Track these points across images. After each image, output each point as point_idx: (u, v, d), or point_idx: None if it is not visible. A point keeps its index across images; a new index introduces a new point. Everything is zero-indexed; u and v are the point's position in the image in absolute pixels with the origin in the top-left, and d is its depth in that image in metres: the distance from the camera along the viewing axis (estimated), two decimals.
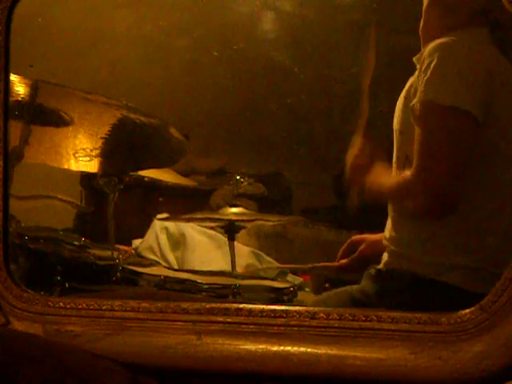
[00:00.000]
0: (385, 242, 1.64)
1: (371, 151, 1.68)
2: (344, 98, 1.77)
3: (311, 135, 1.81)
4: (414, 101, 1.55)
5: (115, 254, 1.87)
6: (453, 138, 1.53)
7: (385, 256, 1.64)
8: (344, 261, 1.74)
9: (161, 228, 1.94)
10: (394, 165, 1.64)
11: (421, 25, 1.63)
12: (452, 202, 1.54)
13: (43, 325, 1.57)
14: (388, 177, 1.64)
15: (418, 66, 1.60)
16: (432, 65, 1.54)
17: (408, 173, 1.56)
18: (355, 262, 1.72)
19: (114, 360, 1.47)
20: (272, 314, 1.49)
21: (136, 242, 1.95)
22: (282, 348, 1.46)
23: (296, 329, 1.47)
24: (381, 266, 1.64)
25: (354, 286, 1.64)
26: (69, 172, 1.97)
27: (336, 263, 1.74)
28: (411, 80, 1.60)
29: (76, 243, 1.90)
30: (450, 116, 1.53)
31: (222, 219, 1.86)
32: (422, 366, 1.39)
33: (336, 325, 1.45)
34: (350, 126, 1.76)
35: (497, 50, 1.57)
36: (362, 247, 1.73)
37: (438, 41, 1.56)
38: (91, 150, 1.92)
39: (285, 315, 1.48)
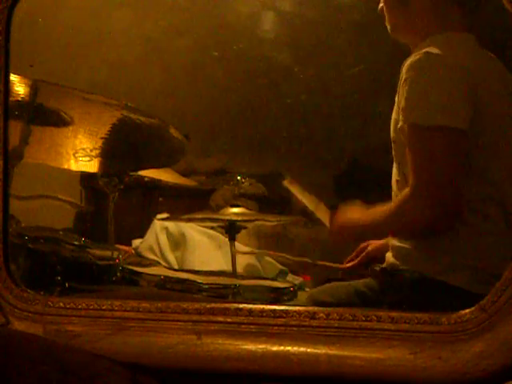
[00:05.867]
0: (389, 242, 1.65)
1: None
2: (344, 98, 1.77)
3: (311, 135, 1.81)
4: (401, 122, 1.56)
5: (115, 254, 1.87)
6: (442, 154, 1.54)
7: (389, 256, 1.64)
8: (350, 264, 1.74)
9: (161, 228, 1.94)
10: (393, 172, 1.65)
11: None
12: (454, 214, 1.54)
13: (43, 325, 1.57)
14: (376, 210, 1.65)
15: None
16: (409, 84, 1.54)
17: (406, 191, 1.56)
18: (363, 263, 1.73)
19: (114, 360, 1.47)
20: (272, 314, 1.49)
21: (136, 242, 1.95)
22: (282, 348, 1.46)
23: (296, 329, 1.47)
24: (385, 264, 1.64)
25: (360, 281, 1.65)
26: (69, 172, 1.97)
27: (343, 265, 1.75)
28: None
29: (76, 243, 1.90)
30: (435, 135, 1.53)
31: (222, 219, 1.86)
32: (421, 366, 1.39)
33: (336, 325, 1.45)
34: (350, 126, 1.76)
35: (481, 49, 1.57)
36: (368, 249, 1.73)
37: (412, 57, 1.56)
38: (91, 150, 1.92)
39: (285, 315, 1.48)
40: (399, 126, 1.57)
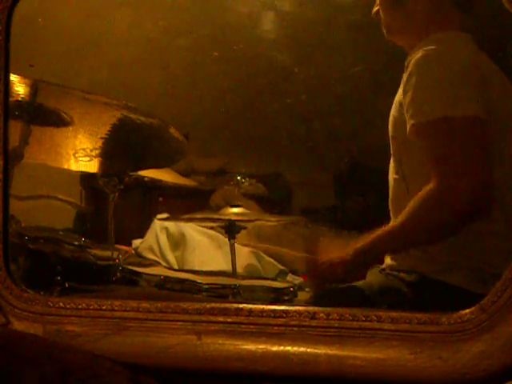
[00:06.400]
0: None
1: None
2: (344, 98, 1.77)
3: (311, 135, 1.81)
4: (409, 119, 1.55)
5: (115, 254, 1.87)
6: (469, 144, 1.53)
7: (387, 257, 1.64)
8: None
9: (161, 228, 1.94)
10: (391, 169, 1.65)
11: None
12: (485, 203, 1.53)
13: (43, 325, 1.57)
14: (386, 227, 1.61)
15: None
16: (420, 81, 1.54)
17: (430, 186, 1.54)
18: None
19: (114, 360, 1.47)
20: (272, 314, 1.49)
21: (136, 242, 1.95)
22: (281, 348, 1.46)
23: (296, 329, 1.47)
24: (384, 265, 1.64)
25: (359, 282, 1.65)
26: (69, 172, 1.97)
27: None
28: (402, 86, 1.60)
29: (76, 243, 1.90)
30: (459, 125, 1.53)
31: (222, 219, 1.86)
32: (421, 365, 1.39)
33: (336, 325, 1.45)
34: (349, 126, 1.76)
35: (480, 50, 1.57)
36: None
37: (419, 54, 1.56)
38: (91, 150, 1.92)
39: (285, 315, 1.48)
40: (409, 123, 1.55)
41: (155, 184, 1.96)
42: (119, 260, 1.86)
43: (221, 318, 1.51)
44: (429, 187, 1.54)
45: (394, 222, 1.60)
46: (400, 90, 1.60)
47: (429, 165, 1.54)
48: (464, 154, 1.53)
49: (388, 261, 1.64)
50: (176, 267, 1.90)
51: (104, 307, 1.57)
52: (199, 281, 1.79)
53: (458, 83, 1.55)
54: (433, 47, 1.56)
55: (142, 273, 1.85)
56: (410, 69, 1.57)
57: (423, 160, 1.56)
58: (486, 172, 1.52)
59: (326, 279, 1.70)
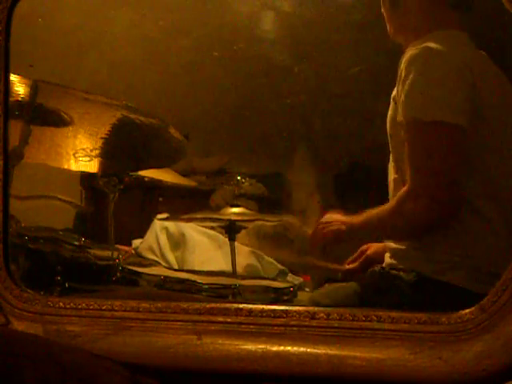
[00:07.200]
0: (387, 243, 1.65)
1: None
2: (344, 98, 1.77)
3: (311, 135, 1.81)
4: (400, 116, 1.56)
5: (115, 254, 1.87)
6: (441, 150, 1.54)
7: (387, 256, 1.64)
8: (352, 265, 1.74)
9: (161, 228, 1.94)
10: (390, 169, 1.65)
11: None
12: (451, 212, 1.54)
13: (43, 325, 1.57)
14: (379, 208, 1.64)
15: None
16: (410, 79, 1.54)
17: (403, 189, 1.56)
18: (362, 265, 1.72)
19: (114, 360, 1.47)
20: (272, 314, 1.49)
21: (136, 242, 1.95)
22: (281, 348, 1.46)
23: (296, 329, 1.47)
24: (384, 264, 1.64)
25: (360, 282, 1.65)
26: (69, 172, 1.97)
27: (343, 267, 1.75)
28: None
29: (76, 243, 1.90)
30: (434, 130, 1.53)
31: (222, 219, 1.86)
32: (421, 365, 1.39)
33: (336, 325, 1.45)
34: (350, 126, 1.76)
35: (477, 49, 1.57)
36: (368, 252, 1.73)
37: (412, 51, 1.56)
38: (91, 150, 1.92)
39: (285, 315, 1.48)
40: (398, 120, 1.57)
41: (155, 184, 1.96)
42: (119, 260, 1.86)
43: (221, 318, 1.51)
44: (404, 190, 1.55)
45: (383, 208, 1.61)
46: (395, 90, 1.61)
47: (407, 167, 1.55)
48: (434, 160, 1.54)
49: (388, 260, 1.64)
50: (176, 267, 1.90)
51: (104, 307, 1.57)
52: (199, 281, 1.79)
53: (444, 85, 1.55)
54: (423, 45, 1.56)
55: (142, 273, 1.85)
56: (400, 66, 1.57)
57: None
58: (453, 183, 1.53)
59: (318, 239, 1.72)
